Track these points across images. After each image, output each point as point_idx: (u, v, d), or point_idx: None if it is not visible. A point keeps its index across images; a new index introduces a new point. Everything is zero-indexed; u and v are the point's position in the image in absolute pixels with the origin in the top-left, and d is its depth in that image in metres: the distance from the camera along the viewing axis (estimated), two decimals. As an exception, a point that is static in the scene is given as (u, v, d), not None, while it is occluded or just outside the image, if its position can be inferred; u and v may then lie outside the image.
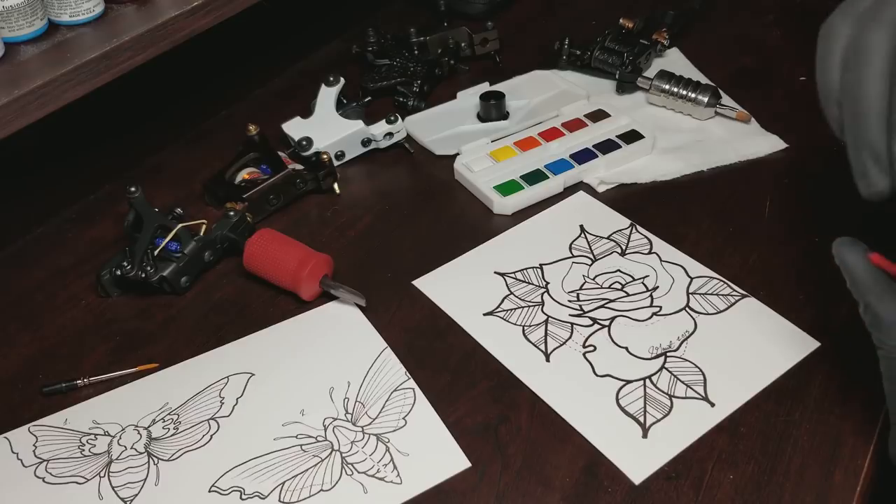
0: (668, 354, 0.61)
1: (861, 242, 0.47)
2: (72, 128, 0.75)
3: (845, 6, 0.44)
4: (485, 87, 0.86)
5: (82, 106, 0.69)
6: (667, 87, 0.83)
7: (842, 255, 0.47)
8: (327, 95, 0.82)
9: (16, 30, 0.67)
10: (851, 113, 0.43)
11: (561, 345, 0.62)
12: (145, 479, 0.56)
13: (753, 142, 0.79)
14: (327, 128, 0.80)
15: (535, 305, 0.66)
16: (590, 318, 0.64)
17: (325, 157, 0.76)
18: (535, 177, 0.76)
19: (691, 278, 0.67)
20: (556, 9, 1.03)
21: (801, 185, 0.75)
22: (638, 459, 0.55)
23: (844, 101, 0.43)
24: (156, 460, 0.57)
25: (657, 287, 0.66)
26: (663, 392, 0.58)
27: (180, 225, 0.69)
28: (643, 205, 0.74)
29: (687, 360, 0.60)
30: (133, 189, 0.69)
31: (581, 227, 0.72)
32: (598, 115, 0.82)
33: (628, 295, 0.66)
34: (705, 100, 0.81)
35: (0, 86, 0.64)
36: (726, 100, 0.84)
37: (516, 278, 0.68)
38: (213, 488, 0.55)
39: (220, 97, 0.90)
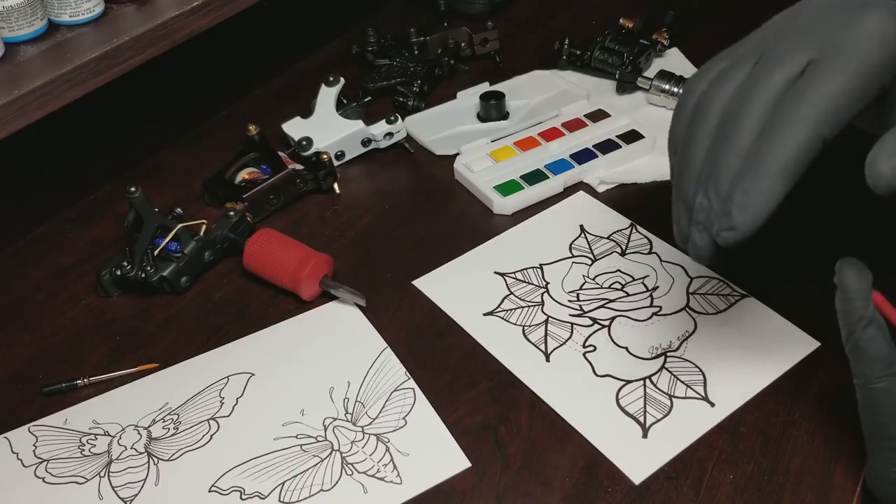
0: (668, 354, 0.61)
1: (868, 271, 0.46)
2: (72, 128, 0.75)
3: (705, 67, 0.49)
4: (485, 87, 0.86)
5: (82, 106, 0.69)
6: (667, 87, 0.83)
7: (844, 276, 0.46)
8: (327, 95, 0.82)
9: (16, 30, 0.67)
10: (679, 165, 0.48)
11: (561, 345, 0.62)
12: (145, 479, 0.56)
13: (753, 142, 0.79)
14: (327, 128, 0.80)
15: (535, 305, 0.66)
16: (590, 318, 0.64)
17: (325, 157, 0.76)
18: (535, 177, 0.76)
19: (691, 278, 0.67)
20: (556, 9, 1.03)
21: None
22: (638, 459, 0.55)
23: (678, 154, 0.48)
24: (156, 460, 0.57)
25: (657, 287, 0.66)
26: (663, 392, 0.58)
27: (180, 225, 0.69)
28: (643, 205, 0.74)
29: (687, 360, 0.60)
30: (133, 189, 0.69)
31: (581, 227, 0.72)
32: (598, 115, 0.82)
33: (628, 295, 0.66)
34: (705, 100, 0.81)
35: (0, 86, 0.64)
36: (726, 100, 0.83)
37: (516, 278, 0.68)
38: (213, 488, 0.55)
39: (220, 97, 0.90)
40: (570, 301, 0.66)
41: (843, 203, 0.69)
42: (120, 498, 0.55)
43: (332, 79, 0.82)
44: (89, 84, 0.68)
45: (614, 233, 0.71)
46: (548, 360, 0.61)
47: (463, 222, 0.74)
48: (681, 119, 0.49)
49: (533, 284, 0.67)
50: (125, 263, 0.67)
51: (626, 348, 0.62)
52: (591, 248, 0.70)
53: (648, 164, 0.78)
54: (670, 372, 0.60)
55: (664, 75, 0.83)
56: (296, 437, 0.57)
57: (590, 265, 0.69)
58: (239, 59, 0.89)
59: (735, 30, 0.96)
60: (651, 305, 0.65)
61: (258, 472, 0.56)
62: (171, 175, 0.82)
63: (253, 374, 0.62)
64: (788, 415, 0.57)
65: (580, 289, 0.67)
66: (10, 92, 0.63)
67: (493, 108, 0.83)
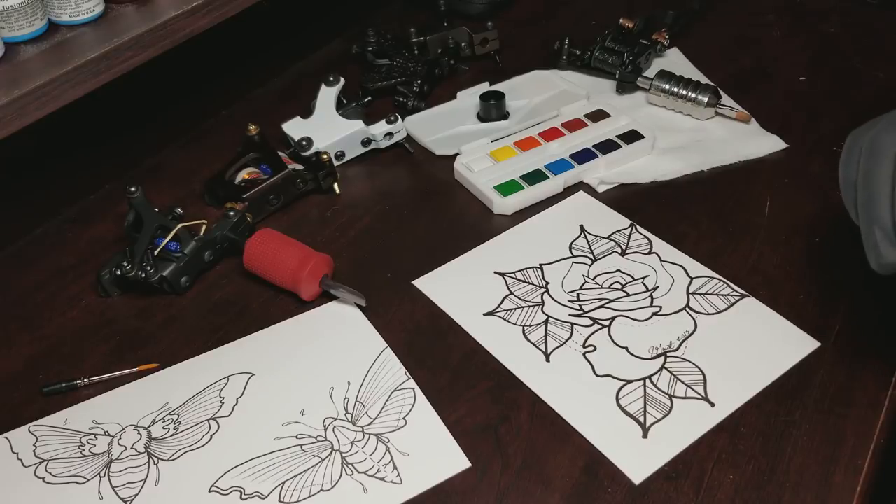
0: (668, 354, 0.61)
1: None
2: (72, 128, 0.75)
3: (871, 123, 0.53)
4: (485, 87, 0.86)
5: (82, 106, 0.69)
6: (667, 87, 0.83)
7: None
8: (327, 95, 0.82)
9: (16, 30, 0.67)
10: (866, 194, 0.51)
11: (561, 345, 0.62)
12: (145, 479, 0.56)
13: (753, 142, 0.79)
14: (327, 128, 0.80)
15: (535, 305, 0.66)
16: (590, 318, 0.64)
17: (325, 157, 0.76)
18: (535, 177, 0.76)
19: (691, 278, 0.67)
20: (556, 9, 1.03)
21: (801, 185, 0.75)
22: (638, 459, 0.55)
23: (860, 185, 0.51)
24: (156, 460, 0.57)
25: (657, 287, 0.66)
26: (663, 392, 0.58)
27: (180, 225, 0.69)
28: (643, 205, 0.74)
29: (687, 360, 0.60)
30: (133, 189, 0.69)
31: (581, 227, 0.72)
32: (598, 115, 0.82)
33: (628, 295, 0.66)
34: (705, 100, 0.81)
35: (0, 86, 0.64)
36: (726, 100, 0.84)
37: (516, 278, 0.68)
38: (213, 488, 0.55)
39: (220, 97, 0.90)
40: (570, 301, 0.66)
41: None
42: (120, 498, 0.55)
43: (332, 79, 0.82)
44: (89, 84, 0.68)
45: (614, 233, 0.71)
46: (548, 360, 0.61)
47: (463, 222, 0.74)
48: (853, 161, 0.53)
49: (533, 284, 0.67)
50: (125, 263, 0.67)
51: (626, 348, 0.62)
52: (591, 248, 0.70)
53: (648, 164, 0.78)
54: (670, 372, 0.60)
55: (664, 75, 0.83)
56: (296, 437, 0.57)
57: (590, 265, 0.69)
58: (239, 59, 0.89)
59: (735, 30, 0.96)
60: (651, 305, 0.65)
61: (258, 472, 0.56)
62: (171, 175, 0.82)
63: (253, 374, 0.62)
64: (788, 415, 0.57)
65: (580, 289, 0.67)
66: (10, 92, 0.64)
67: (493, 108, 0.83)
